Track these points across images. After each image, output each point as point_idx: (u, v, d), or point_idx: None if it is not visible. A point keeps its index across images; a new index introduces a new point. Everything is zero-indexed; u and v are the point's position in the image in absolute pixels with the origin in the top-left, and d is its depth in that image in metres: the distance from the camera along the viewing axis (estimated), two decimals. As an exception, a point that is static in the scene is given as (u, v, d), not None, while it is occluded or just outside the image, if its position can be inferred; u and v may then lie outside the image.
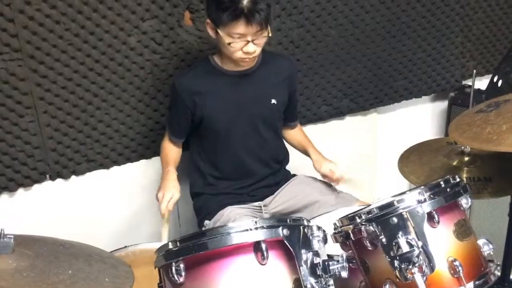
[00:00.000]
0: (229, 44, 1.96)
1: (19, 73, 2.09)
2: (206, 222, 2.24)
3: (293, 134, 2.46)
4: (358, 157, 3.04)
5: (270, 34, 2.02)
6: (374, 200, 2.08)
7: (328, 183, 2.35)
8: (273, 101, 2.23)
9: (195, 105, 2.13)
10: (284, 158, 2.41)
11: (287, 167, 2.45)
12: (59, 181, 2.34)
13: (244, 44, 1.97)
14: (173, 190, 2.10)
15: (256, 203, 2.32)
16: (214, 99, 2.12)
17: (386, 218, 1.46)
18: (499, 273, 1.58)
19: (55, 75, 2.16)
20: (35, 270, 1.24)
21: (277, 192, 2.34)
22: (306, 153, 2.41)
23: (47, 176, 2.30)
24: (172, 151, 2.29)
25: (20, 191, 2.28)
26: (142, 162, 2.49)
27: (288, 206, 2.30)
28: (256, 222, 1.33)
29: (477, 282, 1.49)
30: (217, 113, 2.14)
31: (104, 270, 1.36)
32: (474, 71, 2.24)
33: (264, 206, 2.32)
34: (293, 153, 2.46)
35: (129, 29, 2.24)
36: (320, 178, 2.36)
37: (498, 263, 1.60)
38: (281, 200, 2.30)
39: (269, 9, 1.98)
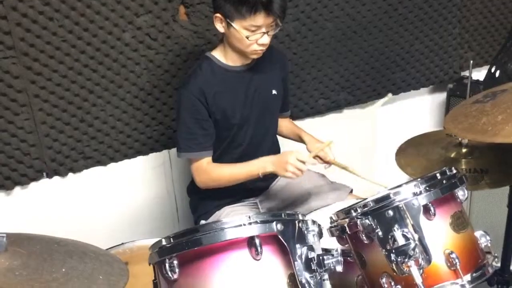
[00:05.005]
0: (247, 37, 1.95)
1: (13, 71, 2.08)
2: (202, 222, 2.23)
3: (285, 123, 2.45)
4: (357, 150, 3.02)
5: (281, 25, 2.01)
6: (371, 193, 2.06)
7: (321, 174, 2.35)
8: (274, 91, 2.23)
9: (212, 105, 2.07)
10: (278, 150, 2.40)
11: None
12: (56, 178, 2.33)
13: (260, 36, 1.97)
14: (287, 156, 2.00)
15: (252, 199, 2.31)
16: (227, 96, 2.09)
17: (382, 211, 1.45)
18: (497, 265, 1.57)
19: (50, 72, 2.15)
20: (28, 269, 1.23)
21: (271, 185, 2.33)
22: (299, 138, 2.39)
23: (44, 174, 2.29)
24: (220, 164, 2.15)
25: (17, 189, 2.27)
26: (139, 158, 2.48)
27: (282, 199, 2.29)
28: (249, 217, 1.32)
29: (474, 274, 1.48)
30: (232, 110, 2.11)
31: (98, 268, 1.35)
32: (471, 61, 2.23)
33: (260, 201, 2.31)
34: (284, 146, 2.45)
35: (123, 24, 2.22)
36: (312, 169, 2.35)
37: (496, 254, 1.58)
38: (276, 193, 2.29)
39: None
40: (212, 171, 2.11)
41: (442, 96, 3.22)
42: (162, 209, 2.63)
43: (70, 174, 2.35)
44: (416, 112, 3.24)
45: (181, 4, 2.33)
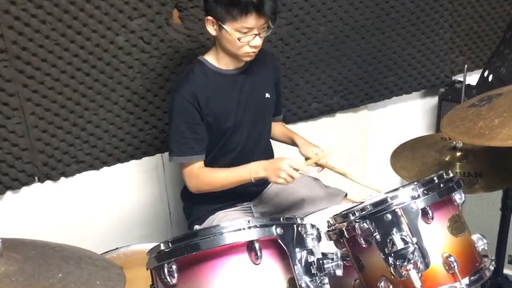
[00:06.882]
0: (239, 39, 1.94)
1: (5, 74, 2.06)
2: (196, 227, 2.22)
3: (278, 127, 2.44)
4: (349, 154, 3.03)
5: (272, 27, 2.00)
6: (366, 197, 2.05)
7: (315, 178, 2.34)
8: (267, 95, 2.22)
9: (205, 109, 2.05)
10: (272, 155, 2.39)
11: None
12: (48, 183, 2.30)
13: (252, 38, 1.96)
14: (280, 162, 1.96)
15: (245, 204, 2.30)
16: (220, 100, 2.08)
17: (380, 215, 1.45)
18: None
19: (42, 75, 2.13)
20: (24, 274, 1.21)
21: (264, 190, 2.32)
22: (291, 141, 2.37)
23: (36, 178, 2.27)
24: (212, 168, 2.13)
25: (9, 194, 2.24)
26: (132, 162, 2.46)
27: (276, 204, 2.28)
28: (249, 222, 1.31)
29: (472, 278, 1.48)
30: (225, 114, 2.10)
31: (95, 273, 1.33)
32: (466, 65, 2.24)
33: (254, 206, 2.30)
34: (277, 150, 2.44)
35: (116, 28, 2.21)
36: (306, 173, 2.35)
37: (492, 257, 1.59)
38: (270, 198, 2.29)
39: (277, 0, 1.97)
40: (204, 175, 2.10)
41: (433, 101, 3.24)
42: (155, 213, 2.61)
43: (62, 179, 2.33)
44: (408, 116, 3.25)
45: (175, 8, 2.32)
